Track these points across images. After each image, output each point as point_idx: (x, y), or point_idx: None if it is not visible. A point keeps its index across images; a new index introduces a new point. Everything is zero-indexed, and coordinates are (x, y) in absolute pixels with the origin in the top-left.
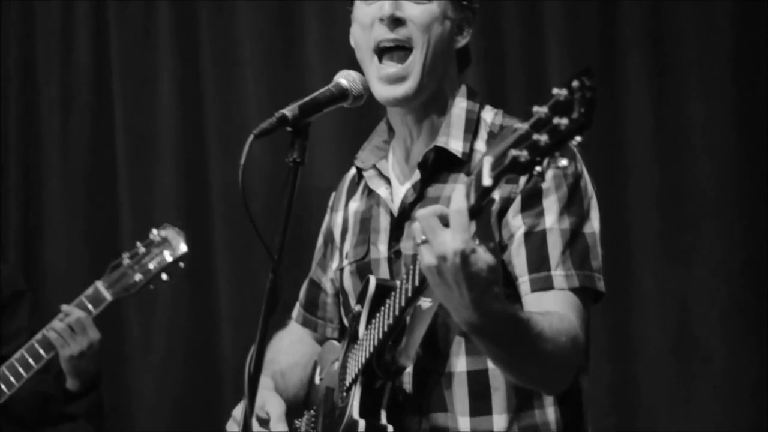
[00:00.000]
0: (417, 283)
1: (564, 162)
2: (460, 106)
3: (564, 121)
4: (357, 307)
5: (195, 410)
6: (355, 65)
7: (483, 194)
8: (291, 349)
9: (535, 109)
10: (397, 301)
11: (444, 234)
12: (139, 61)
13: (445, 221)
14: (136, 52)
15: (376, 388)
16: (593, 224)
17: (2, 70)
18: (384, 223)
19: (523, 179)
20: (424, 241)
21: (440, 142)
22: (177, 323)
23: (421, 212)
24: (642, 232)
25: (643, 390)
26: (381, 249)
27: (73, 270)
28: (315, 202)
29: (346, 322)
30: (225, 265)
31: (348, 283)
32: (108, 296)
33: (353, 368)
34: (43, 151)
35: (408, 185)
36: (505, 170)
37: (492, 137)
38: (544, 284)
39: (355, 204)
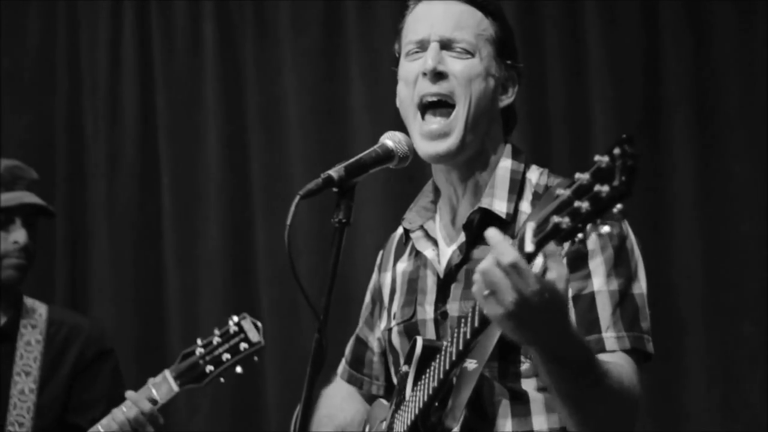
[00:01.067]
0: (461, 347)
1: (606, 229)
2: (504, 165)
3: (605, 188)
4: (404, 368)
5: None
6: (401, 124)
7: (526, 260)
8: (345, 406)
9: (577, 176)
10: (443, 363)
11: (509, 279)
12: (186, 121)
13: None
14: (183, 112)
15: None
16: (641, 285)
17: (52, 132)
18: (431, 284)
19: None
20: (491, 293)
21: (484, 203)
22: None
23: (484, 265)
24: (687, 292)
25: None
26: (428, 310)
27: (120, 331)
28: (360, 261)
29: (395, 380)
30: (271, 325)
31: (396, 342)
32: (175, 387)
33: (399, 430)
34: (89, 212)
35: (454, 247)
36: (547, 236)
37: (537, 198)
38: (596, 347)
39: (403, 264)
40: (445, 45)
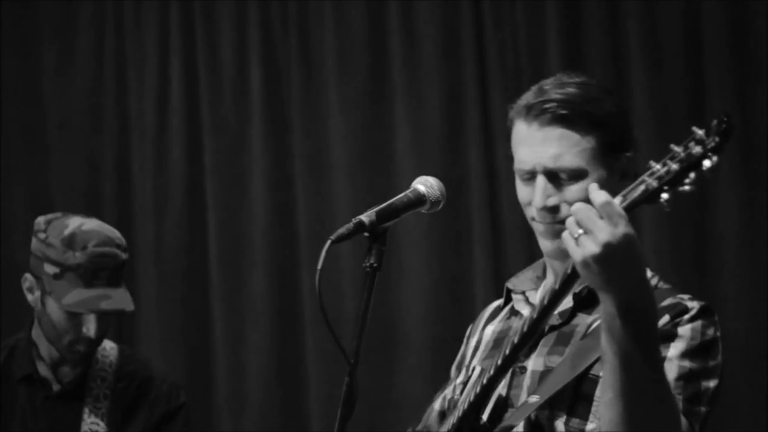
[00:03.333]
0: (542, 307)
1: (689, 188)
2: None
3: (698, 147)
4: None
5: None
6: (444, 168)
7: None
8: None
9: (672, 146)
10: (512, 338)
11: (603, 222)
12: (232, 165)
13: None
14: (229, 156)
15: None
16: (711, 383)
17: (99, 175)
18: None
19: (662, 321)
20: (582, 234)
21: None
22: (266, 426)
23: (577, 205)
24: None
25: None
26: None
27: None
28: (404, 304)
29: None
30: (316, 369)
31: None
32: None
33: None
34: (137, 254)
35: (555, 311)
36: (636, 200)
37: None
38: None
39: (493, 326)
40: (552, 176)
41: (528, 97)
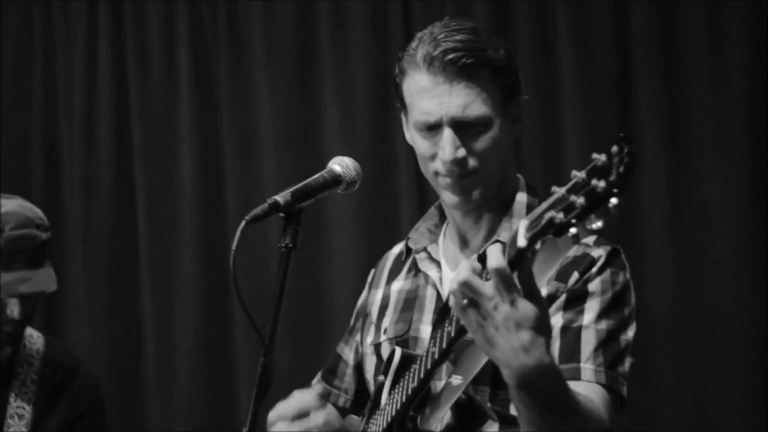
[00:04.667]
0: (445, 345)
1: (598, 224)
2: (520, 200)
3: (601, 183)
4: (381, 378)
5: None
6: (374, 148)
7: (518, 255)
8: None
9: (574, 173)
10: (424, 363)
11: (489, 288)
12: (161, 146)
13: (482, 276)
14: (158, 137)
15: None
16: (629, 333)
17: (28, 156)
18: (429, 304)
19: (572, 279)
20: (470, 303)
21: (502, 237)
22: (196, 405)
23: (462, 276)
24: (659, 313)
25: None
26: (423, 329)
27: (95, 354)
28: (335, 285)
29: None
30: (244, 349)
31: (385, 356)
32: None
33: None
34: (65, 235)
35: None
36: (541, 231)
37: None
38: (572, 375)
39: (399, 283)
40: (458, 126)
41: (425, 48)
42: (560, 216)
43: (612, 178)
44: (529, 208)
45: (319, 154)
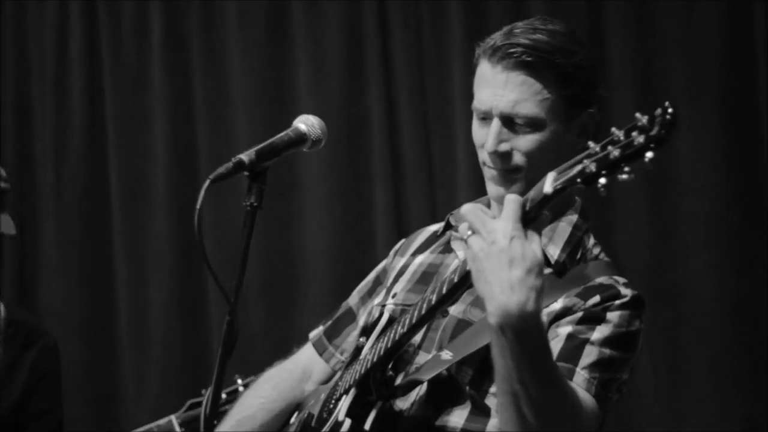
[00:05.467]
0: (445, 290)
1: (627, 177)
2: (570, 218)
3: (640, 138)
4: (362, 340)
5: None
6: (344, 108)
7: (541, 202)
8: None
9: (613, 130)
10: (417, 311)
11: (494, 222)
12: (133, 106)
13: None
14: (130, 97)
15: (367, 401)
16: (625, 375)
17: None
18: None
19: (591, 300)
20: (472, 233)
21: (542, 243)
22: (170, 365)
23: (467, 206)
24: (630, 271)
25: (634, 429)
26: None
27: (68, 315)
28: (307, 244)
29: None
30: (217, 307)
31: (386, 319)
32: None
33: (348, 380)
34: (38, 197)
35: None
36: (569, 180)
37: (583, 260)
38: (566, 374)
39: (424, 256)
40: (508, 121)
41: (496, 38)
42: (592, 166)
43: (652, 132)
44: (576, 229)
45: (291, 113)
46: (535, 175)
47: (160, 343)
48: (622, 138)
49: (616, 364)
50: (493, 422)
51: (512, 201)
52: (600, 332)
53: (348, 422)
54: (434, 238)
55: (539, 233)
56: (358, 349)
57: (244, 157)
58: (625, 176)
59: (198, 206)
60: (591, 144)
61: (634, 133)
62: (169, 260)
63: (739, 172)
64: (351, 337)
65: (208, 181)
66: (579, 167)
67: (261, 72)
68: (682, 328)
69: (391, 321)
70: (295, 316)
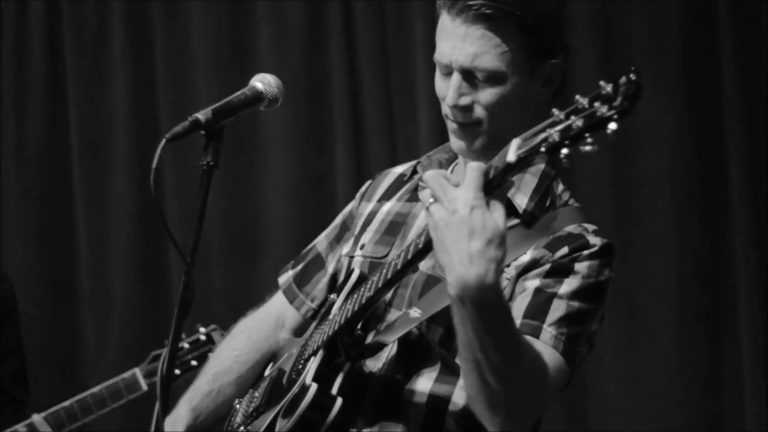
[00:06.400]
0: (410, 256)
1: (590, 148)
2: (538, 167)
3: (603, 108)
4: (332, 296)
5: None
6: (306, 66)
7: (504, 170)
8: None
9: (577, 98)
10: (383, 276)
11: (455, 190)
12: (93, 64)
13: (455, 183)
14: (90, 55)
15: (335, 363)
16: (594, 325)
17: None
18: (414, 234)
19: (560, 252)
20: (434, 201)
21: (508, 192)
22: (129, 321)
23: (429, 173)
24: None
25: (592, 389)
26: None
27: (29, 271)
28: (268, 200)
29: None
30: (178, 267)
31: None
32: (144, 387)
33: (317, 341)
34: None
35: None
36: (533, 149)
37: (552, 208)
38: (532, 331)
39: (390, 204)
40: (468, 75)
41: None
42: (555, 135)
43: (615, 103)
44: (544, 176)
45: (252, 72)
46: (497, 128)
47: (121, 301)
48: (585, 106)
49: (584, 316)
50: (462, 382)
51: (474, 169)
52: (568, 285)
53: (314, 387)
54: (401, 182)
55: (503, 201)
56: (329, 307)
57: (201, 115)
58: (588, 147)
59: (154, 165)
60: (555, 111)
61: (597, 103)
62: (129, 219)
63: (698, 132)
64: (321, 285)
65: (164, 140)
66: (542, 135)
67: (222, 32)
68: (642, 287)
69: (362, 279)
70: (255, 275)
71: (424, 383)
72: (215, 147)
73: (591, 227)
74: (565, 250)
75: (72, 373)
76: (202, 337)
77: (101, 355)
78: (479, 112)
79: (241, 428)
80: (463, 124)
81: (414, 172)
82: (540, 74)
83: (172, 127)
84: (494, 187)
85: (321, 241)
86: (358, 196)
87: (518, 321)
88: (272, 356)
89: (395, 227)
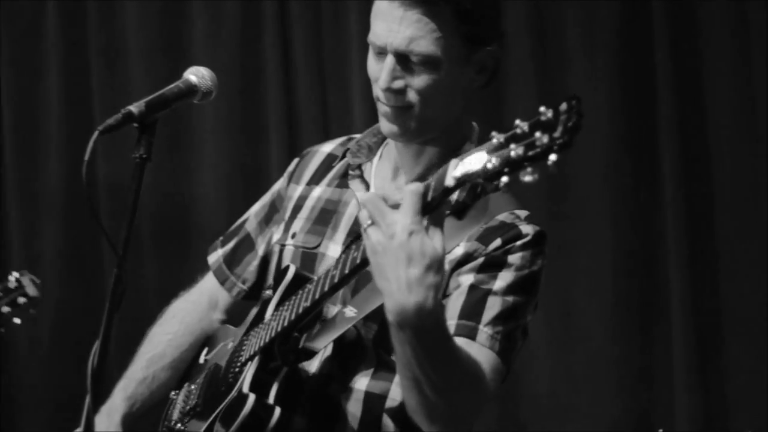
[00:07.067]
0: (347, 270)
1: (531, 178)
2: (467, 149)
3: (544, 138)
4: (268, 293)
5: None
6: (241, 59)
7: (442, 194)
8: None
9: (517, 122)
10: (321, 285)
11: (393, 214)
12: (26, 55)
13: (393, 206)
14: (24, 46)
15: (271, 368)
16: (528, 317)
17: None
18: (346, 224)
19: (493, 244)
20: (371, 224)
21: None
22: (61, 314)
23: (367, 196)
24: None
25: (524, 384)
26: (332, 248)
27: None
28: (199, 194)
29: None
30: (112, 260)
31: (286, 260)
32: None
33: (253, 346)
34: None
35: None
36: (471, 175)
37: (484, 193)
38: (468, 333)
39: (321, 189)
40: (403, 58)
41: None
42: (495, 161)
43: (556, 134)
44: None
45: (187, 64)
46: (428, 113)
47: (53, 294)
48: (526, 131)
49: (519, 309)
50: (398, 390)
51: (412, 193)
52: (502, 279)
53: (252, 398)
54: (329, 164)
55: (441, 224)
56: (263, 304)
57: (134, 108)
58: (528, 178)
59: (86, 157)
60: (494, 134)
61: (538, 133)
62: (61, 210)
63: (631, 130)
64: (252, 267)
65: (96, 132)
66: (482, 162)
67: (156, 23)
68: (575, 283)
69: (298, 278)
70: (188, 268)
71: (361, 381)
72: (148, 140)
73: (523, 214)
74: (498, 242)
75: (4, 369)
76: (13, 284)
77: (32, 349)
78: (412, 96)
79: (179, 425)
80: (395, 107)
81: (344, 155)
82: (475, 61)
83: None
84: (433, 209)
85: (250, 221)
86: (286, 175)
87: (454, 321)
88: (206, 338)
89: (326, 216)
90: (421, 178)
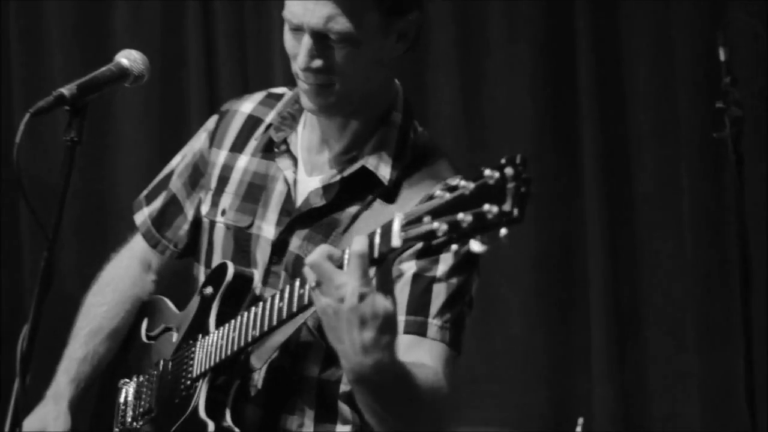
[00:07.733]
0: (295, 309)
1: (479, 248)
2: (394, 121)
3: (494, 209)
4: (208, 290)
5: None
6: (161, 47)
7: (388, 252)
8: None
9: (461, 183)
10: (267, 316)
11: (340, 276)
12: None
13: (338, 263)
14: None
15: (220, 383)
16: (472, 291)
17: None
18: (276, 203)
19: None
20: (318, 285)
21: (370, 164)
22: None
23: (311, 258)
24: None
25: None
26: (265, 228)
27: None
28: (122, 178)
29: (200, 277)
30: (32, 245)
31: (218, 240)
32: None
33: (203, 362)
34: None
35: (317, 184)
36: (419, 237)
37: (415, 161)
38: (418, 329)
39: (246, 160)
40: (321, 37)
41: None
42: (444, 229)
43: (506, 207)
44: (402, 131)
45: (108, 50)
46: (349, 87)
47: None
48: (472, 191)
49: (464, 287)
50: None
51: (357, 255)
52: (444, 263)
53: (212, 426)
54: (251, 127)
55: (389, 276)
56: (204, 301)
57: (66, 90)
58: (478, 248)
59: (17, 140)
60: (438, 191)
61: (486, 205)
62: None
63: (552, 121)
64: (182, 231)
65: (27, 115)
66: (429, 227)
67: (77, 9)
68: (495, 273)
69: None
70: (107, 253)
71: (312, 369)
72: (79, 123)
73: (455, 182)
74: None
75: None
76: None
77: None
78: (331, 73)
79: (135, 423)
80: (315, 84)
81: (268, 127)
82: (395, 30)
83: (25, 102)
84: (378, 263)
85: (174, 181)
86: (207, 135)
87: (403, 317)
88: (142, 304)
89: (255, 191)
90: (347, 149)
